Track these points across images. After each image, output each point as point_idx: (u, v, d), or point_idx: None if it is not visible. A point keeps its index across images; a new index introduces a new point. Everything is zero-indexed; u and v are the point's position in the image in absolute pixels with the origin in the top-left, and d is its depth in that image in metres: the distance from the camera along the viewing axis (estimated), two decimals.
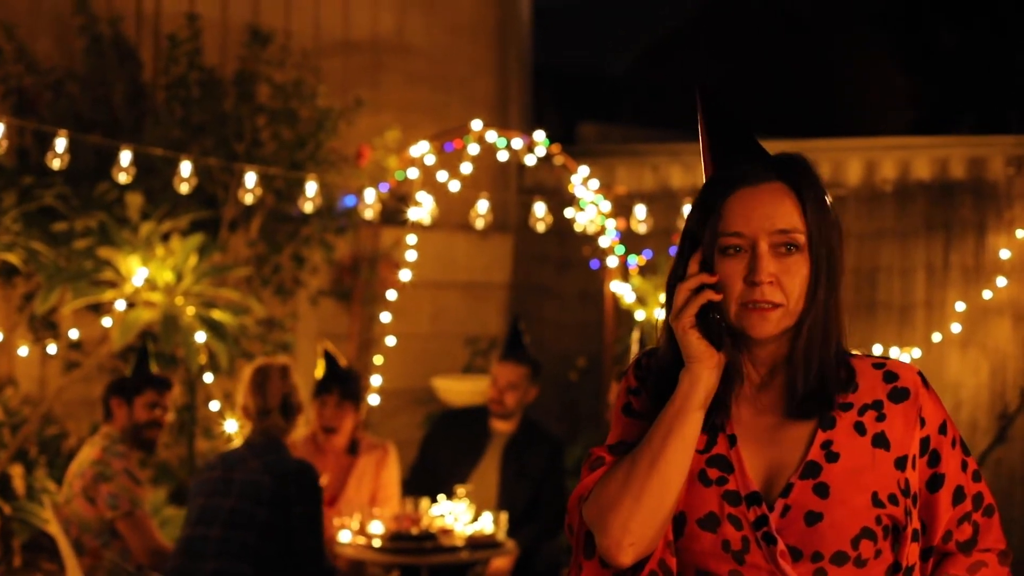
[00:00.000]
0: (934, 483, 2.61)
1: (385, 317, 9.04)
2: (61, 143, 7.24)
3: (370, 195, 8.44)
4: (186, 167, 7.42)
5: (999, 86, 13.29)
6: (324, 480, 6.95)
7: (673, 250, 9.37)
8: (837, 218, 2.61)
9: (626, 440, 2.66)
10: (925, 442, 2.60)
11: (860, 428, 2.57)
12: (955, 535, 2.64)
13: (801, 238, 2.53)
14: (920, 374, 2.63)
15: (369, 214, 8.48)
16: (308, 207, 7.97)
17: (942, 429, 2.61)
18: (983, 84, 13.31)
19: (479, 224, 8.55)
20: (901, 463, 2.56)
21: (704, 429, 2.59)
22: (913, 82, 13.77)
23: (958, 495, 2.63)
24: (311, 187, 8.05)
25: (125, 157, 7.36)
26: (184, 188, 7.44)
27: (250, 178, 7.73)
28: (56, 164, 7.27)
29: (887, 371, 2.62)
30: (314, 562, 5.80)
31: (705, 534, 2.56)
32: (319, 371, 7.31)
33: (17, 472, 7.92)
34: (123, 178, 7.40)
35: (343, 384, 7.25)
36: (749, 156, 2.65)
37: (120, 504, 6.17)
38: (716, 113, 2.71)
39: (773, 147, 2.69)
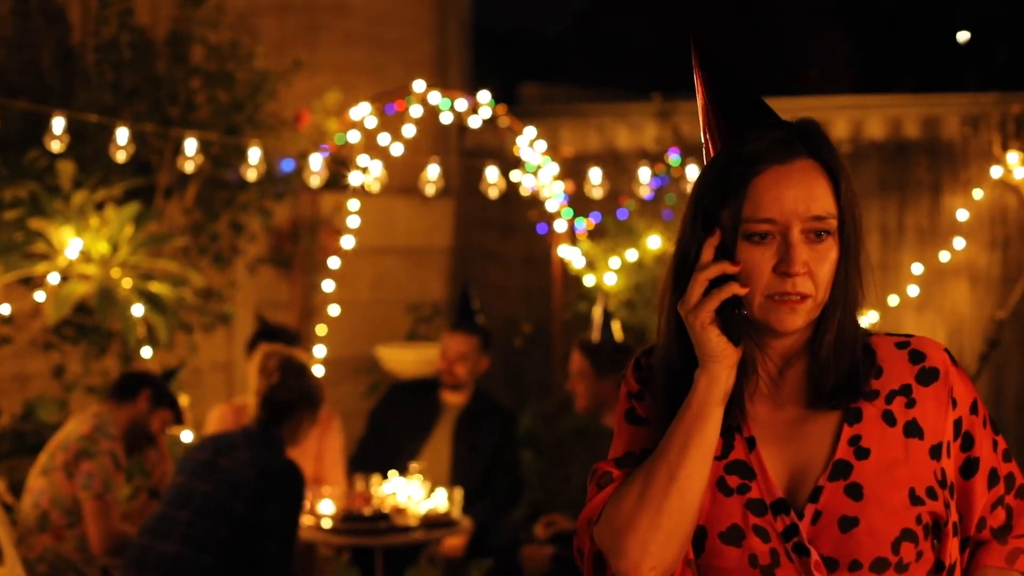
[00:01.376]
0: (968, 468, 2.40)
1: (327, 285, 8.78)
2: None
3: (316, 161, 8.17)
4: (123, 134, 7.09)
5: (951, 42, 13.22)
6: None
7: (623, 213, 9.18)
8: (856, 192, 2.39)
9: (633, 451, 2.42)
10: (957, 424, 2.39)
11: (889, 418, 2.35)
12: (989, 521, 2.43)
13: (834, 223, 2.31)
14: (947, 351, 2.42)
15: (315, 181, 8.21)
16: (252, 174, 7.66)
17: (973, 408, 2.41)
18: (933, 41, 13.24)
19: (429, 190, 8.31)
20: (936, 452, 2.35)
21: (719, 433, 2.36)
22: (860, 38, 13.68)
23: (992, 478, 2.43)
24: (254, 153, 7.77)
25: (58, 124, 7.05)
26: (121, 156, 7.11)
27: (190, 144, 7.45)
28: None
29: (912, 351, 2.40)
30: (280, 568, 5.50)
31: (729, 549, 2.33)
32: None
33: None
34: (56, 146, 7.08)
35: (277, 340, 6.98)
36: (765, 121, 2.39)
37: (93, 484, 5.94)
38: (718, 68, 2.45)
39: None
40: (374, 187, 8.45)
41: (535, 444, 9.13)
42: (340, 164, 8.66)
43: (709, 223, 2.33)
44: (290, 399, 5.67)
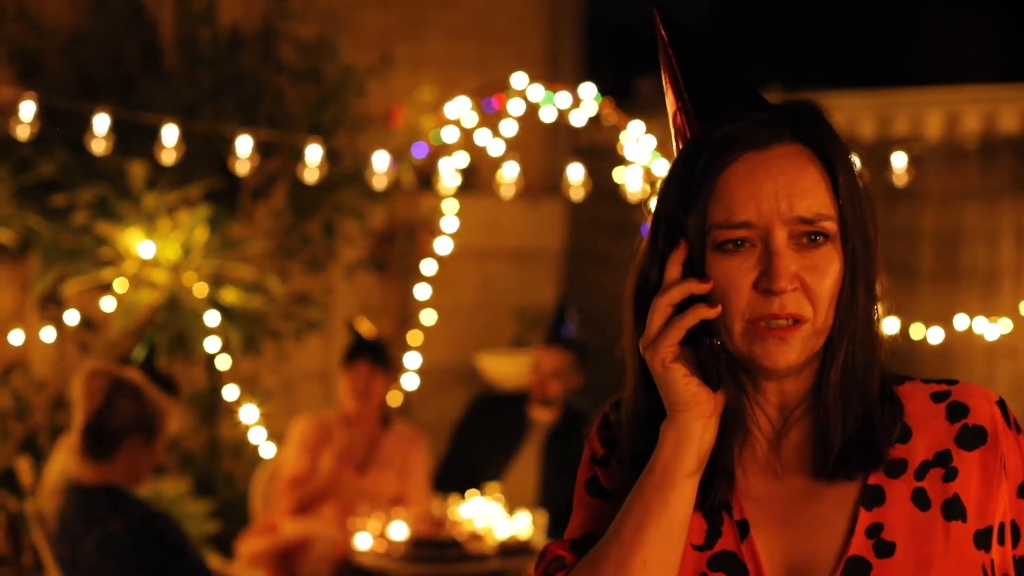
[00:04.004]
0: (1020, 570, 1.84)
1: (423, 289, 8.36)
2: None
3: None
4: (171, 134, 6.60)
5: None
6: (350, 458, 6.45)
7: None
8: (868, 189, 1.85)
9: (594, 532, 1.91)
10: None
11: (921, 498, 1.81)
12: None
13: (832, 226, 1.78)
14: (1001, 403, 1.85)
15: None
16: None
17: (1021, 491, 1.84)
18: None
19: (505, 192, 7.85)
20: (983, 539, 1.79)
21: (701, 511, 1.84)
22: (997, 26, 13.05)
23: None
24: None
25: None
26: (170, 158, 6.67)
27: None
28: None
29: (953, 404, 1.85)
30: None
31: None
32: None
33: (24, 464, 7.37)
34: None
35: (371, 352, 6.83)
36: (744, 103, 1.88)
37: None
38: (688, 42, 1.94)
39: (847, 102, 1.93)
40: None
41: None
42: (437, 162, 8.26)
43: (673, 234, 1.83)
44: (120, 426, 4.59)
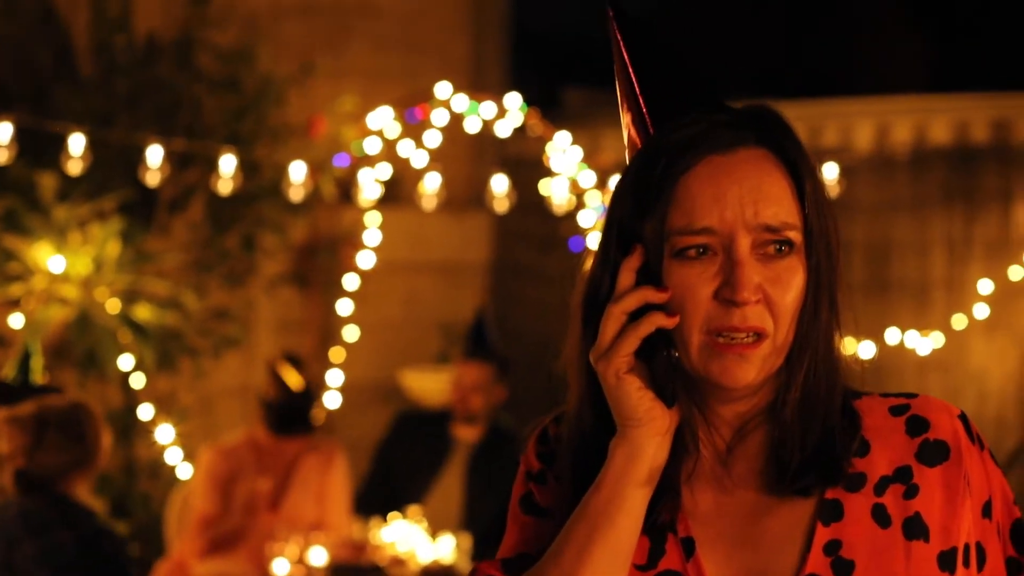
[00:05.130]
0: None
1: (346, 304, 8.17)
2: None
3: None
4: (78, 143, 6.36)
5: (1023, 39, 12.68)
6: (265, 484, 6.22)
7: None
8: (830, 200, 1.75)
9: (528, 552, 1.81)
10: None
11: (881, 515, 1.70)
12: None
13: (798, 236, 1.67)
14: (963, 417, 1.75)
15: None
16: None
17: (986, 510, 1.73)
18: (1005, 37, 12.61)
19: (428, 204, 7.69)
20: (948, 561, 1.69)
21: (644, 529, 1.70)
22: (928, 36, 13.11)
23: None
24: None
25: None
26: (77, 168, 6.42)
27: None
28: None
29: (912, 417, 1.74)
30: None
31: None
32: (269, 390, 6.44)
33: None
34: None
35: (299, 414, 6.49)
36: (703, 106, 1.76)
37: None
38: (644, 42, 1.81)
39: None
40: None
41: None
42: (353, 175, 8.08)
43: (628, 240, 1.72)
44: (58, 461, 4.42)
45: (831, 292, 1.71)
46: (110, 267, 6.65)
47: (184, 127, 7.60)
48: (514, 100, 8.08)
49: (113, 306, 6.62)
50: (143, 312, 6.65)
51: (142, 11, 8.01)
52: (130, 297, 6.78)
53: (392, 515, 6.29)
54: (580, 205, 8.25)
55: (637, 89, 1.80)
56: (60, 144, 6.59)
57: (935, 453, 1.73)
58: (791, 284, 1.67)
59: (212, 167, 7.20)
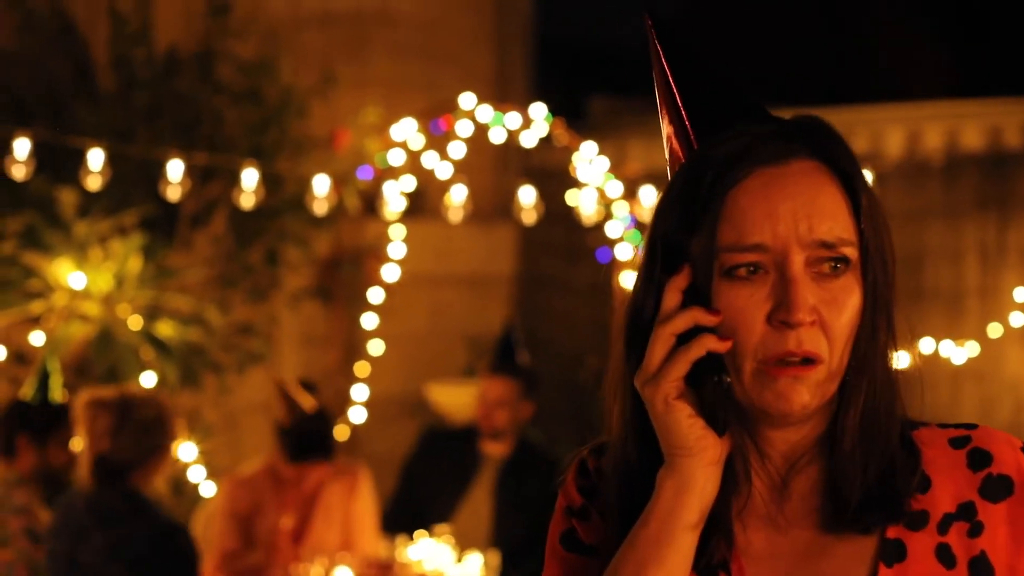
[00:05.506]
0: None
1: (371, 318, 8.07)
2: None
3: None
4: (97, 158, 6.29)
5: None
6: (287, 522, 6.05)
7: None
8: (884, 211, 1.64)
9: None
10: None
11: (946, 555, 1.59)
12: None
13: (854, 253, 1.56)
14: None
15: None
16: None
17: None
18: None
19: (453, 216, 7.58)
20: None
21: (695, 570, 1.60)
22: (958, 41, 13.01)
23: None
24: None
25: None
26: (96, 183, 6.34)
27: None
28: None
29: (974, 450, 1.63)
30: None
31: None
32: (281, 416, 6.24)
33: None
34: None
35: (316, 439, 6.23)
36: (748, 117, 1.65)
37: (16, 574, 5.10)
38: (684, 51, 1.70)
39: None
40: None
41: None
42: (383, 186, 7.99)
43: (673, 259, 1.60)
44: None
45: (888, 312, 1.61)
46: (132, 283, 6.56)
47: (205, 140, 7.52)
48: (539, 110, 7.98)
49: (135, 323, 6.54)
50: (165, 328, 6.57)
51: (162, 24, 7.93)
52: (152, 313, 6.69)
53: (419, 533, 6.18)
54: (607, 216, 8.14)
55: (679, 101, 1.70)
56: (80, 159, 6.52)
57: (999, 488, 1.62)
58: (846, 305, 1.57)
59: (234, 181, 7.12)
